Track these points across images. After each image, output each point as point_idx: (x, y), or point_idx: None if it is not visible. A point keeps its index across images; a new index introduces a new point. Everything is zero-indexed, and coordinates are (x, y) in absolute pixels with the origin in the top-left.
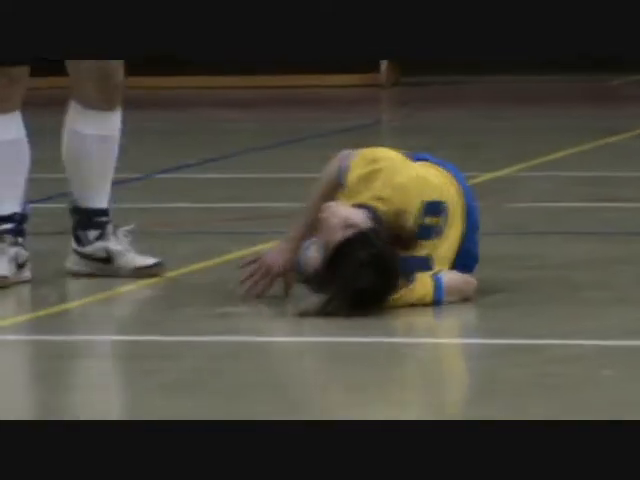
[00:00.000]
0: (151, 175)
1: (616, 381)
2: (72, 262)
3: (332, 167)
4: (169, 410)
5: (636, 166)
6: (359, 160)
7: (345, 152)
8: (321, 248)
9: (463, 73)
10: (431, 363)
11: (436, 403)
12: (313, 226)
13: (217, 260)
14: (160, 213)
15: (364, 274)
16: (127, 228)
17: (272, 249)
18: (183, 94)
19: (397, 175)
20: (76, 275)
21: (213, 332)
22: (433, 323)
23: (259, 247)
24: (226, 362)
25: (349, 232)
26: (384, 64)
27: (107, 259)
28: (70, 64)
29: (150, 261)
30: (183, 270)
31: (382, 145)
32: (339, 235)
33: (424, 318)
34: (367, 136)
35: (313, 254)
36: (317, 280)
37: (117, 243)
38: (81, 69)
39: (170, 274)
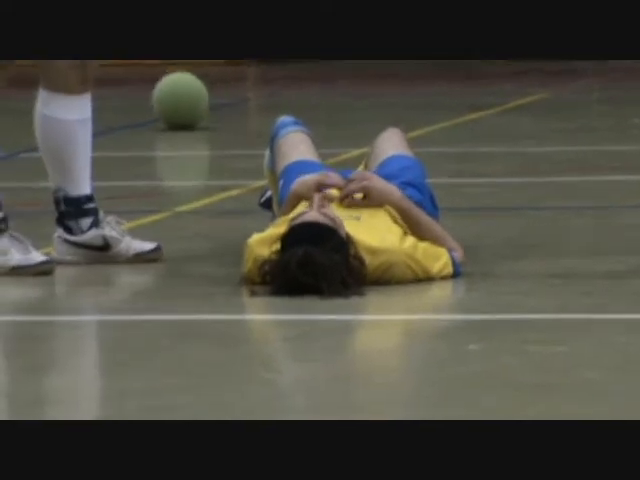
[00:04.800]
0: (15, 154)
1: (480, 355)
2: (62, 252)
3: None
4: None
5: (498, 142)
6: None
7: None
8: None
9: None
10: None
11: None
12: None
13: None
14: (25, 193)
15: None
16: (115, 217)
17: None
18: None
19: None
20: (66, 264)
21: (88, 311)
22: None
23: (134, 223)
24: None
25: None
26: None
27: (104, 247)
28: None
29: (149, 246)
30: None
31: (249, 123)
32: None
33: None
34: (232, 114)
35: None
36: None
37: (111, 229)
38: None
39: (45, 251)
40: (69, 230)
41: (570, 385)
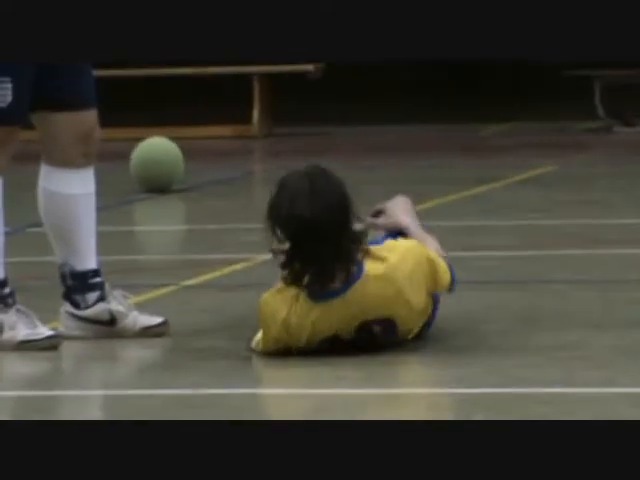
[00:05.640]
0: (21, 229)
1: None
2: (69, 326)
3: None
4: None
5: (505, 215)
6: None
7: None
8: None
9: (334, 124)
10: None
11: None
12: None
13: None
14: (32, 267)
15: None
16: (122, 291)
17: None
18: None
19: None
20: (73, 339)
21: (95, 386)
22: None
23: (140, 298)
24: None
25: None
26: (256, 115)
27: (110, 321)
28: (45, 124)
29: (155, 320)
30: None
31: (255, 196)
32: None
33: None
34: (239, 188)
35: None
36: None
37: (118, 303)
38: (60, 128)
39: (52, 325)
40: (76, 304)
41: None
